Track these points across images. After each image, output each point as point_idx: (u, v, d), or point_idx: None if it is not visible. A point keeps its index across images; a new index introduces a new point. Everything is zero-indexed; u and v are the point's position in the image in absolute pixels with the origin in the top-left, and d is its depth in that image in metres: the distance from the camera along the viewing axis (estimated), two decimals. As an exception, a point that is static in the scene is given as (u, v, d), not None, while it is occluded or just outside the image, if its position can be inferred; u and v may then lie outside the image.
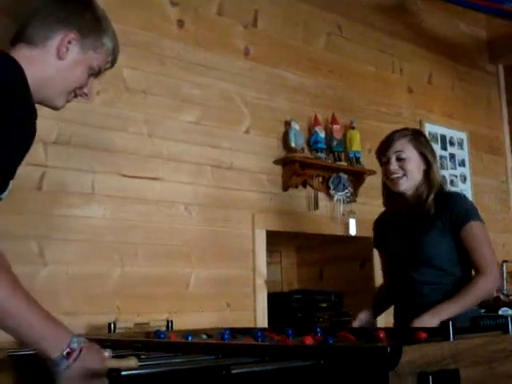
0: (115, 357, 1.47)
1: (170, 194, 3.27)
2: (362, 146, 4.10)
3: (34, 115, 1.49)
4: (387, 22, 4.64)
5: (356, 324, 2.76)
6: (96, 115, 3.03)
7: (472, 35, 5.40)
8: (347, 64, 4.32)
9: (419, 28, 4.89)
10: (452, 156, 4.92)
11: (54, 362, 1.35)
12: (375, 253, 4.03)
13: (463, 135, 5.04)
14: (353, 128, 4.10)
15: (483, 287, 2.50)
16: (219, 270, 3.39)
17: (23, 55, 1.59)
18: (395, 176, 2.65)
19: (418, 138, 2.72)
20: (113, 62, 1.78)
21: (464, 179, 4.96)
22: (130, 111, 3.20)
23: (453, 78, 5.10)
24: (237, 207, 3.54)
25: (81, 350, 1.37)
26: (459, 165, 4.97)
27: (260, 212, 3.63)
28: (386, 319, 3.12)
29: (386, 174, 2.70)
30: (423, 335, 1.85)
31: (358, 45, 4.42)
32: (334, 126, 4.03)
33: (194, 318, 3.14)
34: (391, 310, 2.90)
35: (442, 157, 4.81)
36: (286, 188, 3.78)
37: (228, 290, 3.41)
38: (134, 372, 1.37)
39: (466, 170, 5.00)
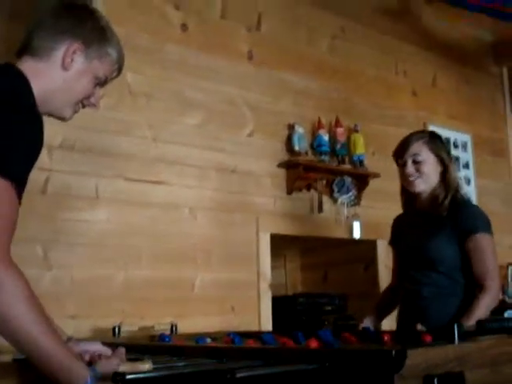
0: (128, 360, 1.47)
1: (174, 197, 3.27)
2: (366, 149, 4.10)
3: (40, 126, 1.49)
4: (391, 24, 4.64)
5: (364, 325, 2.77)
6: (100, 119, 3.03)
7: (476, 37, 5.39)
8: (351, 67, 4.32)
9: (423, 30, 4.89)
10: (456, 158, 4.90)
11: None
12: (379, 255, 4.06)
13: (467, 138, 5.03)
14: (356, 131, 4.10)
15: (485, 306, 2.49)
16: (224, 273, 3.39)
17: (29, 67, 1.59)
18: (412, 178, 2.66)
19: (434, 140, 2.74)
20: (119, 71, 1.78)
21: (468, 182, 4.95)
22: (134, 115, 3.21)
23: (457, 81, 5.10)
24: (241, 211, 3.54)
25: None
26: (463, 167, 4.96)
27: (264, 215, 3.63)
28: (390, 322, 3.11)
29: (403, 176, 2.72)
30: (428, 338, 1.85)
31: (362, 47, 4.42)
32: (338, 129, 4.03)
33: (198, 322, 3.13)
34: (395, 313, 2.90)
35: (446, 159, 4.80)
36: (290, 191, 3.78)
37: (232, 293, 3.41)
38: (138, 376, 1.37)
39: (470, 173, 4.99)
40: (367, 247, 4.11)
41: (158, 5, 3.39)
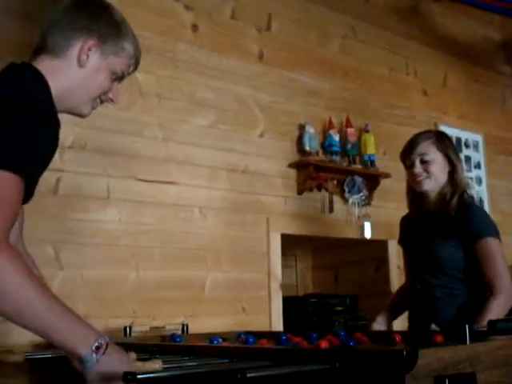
0: (139, 359, 1.48)
1: (184, 197, 3.28)
2: (377, 149, 4.09)
3: (56, 127, 1.49)
4: (401, 24, 4.63)
5: (375, 327, 2.76)
6: (111, 120, 3.04)
7: (487, 37, 5.37)
8: (361, 67, 4.31)
9: (434, 30, 4.87)
10: (467, 158, 4.89)
11: (82, 358, 1.35)
12: (391, 255, 4.05)
13: (478, 137, 5.01)
14: (367, 131, 4.09)
15: (498, 308, 2.47)
16: (234, 273, 3.40)
17: (46, 66, 1.60)
18: (420, 178, 2.65)
19: (441, 139, 2.72)
20: (136, 65, 1.78)
21: (480, 181, 4.93)
22: (145, 115, 3.21)
23: (467, 80, 5.08)
24: (252, 211, 3.54)
25: (107, 345, 1.38)
26: (475, 167, 4.94)
27: (275, 215, 3.63)
28: (402, 323, 3.11)
29: (411, 176, 2.71)
30: (439, 338, 1.84)
31: (373, 47, 4.41)
32: (349, 129, 4.02)
33: (209, 322, 3.14)
34: (406, 313, 2.89)
35: (457, 159, 4.78)
36: (300, 191, 3.78)
37: (243, 293, 3.41)
38: (149, 375, 1.38)
39: (482, 173, 4.97)
40: (378, 247, 4.10)
41: (169, 5, 3.40)
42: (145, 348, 1.95)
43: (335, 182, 3.94)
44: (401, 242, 2.93)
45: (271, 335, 2.32)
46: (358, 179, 3.96)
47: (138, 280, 3.05)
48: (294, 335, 2.13)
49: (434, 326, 2.34)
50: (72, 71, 1.64)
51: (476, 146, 4.99)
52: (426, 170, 2.64)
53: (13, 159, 1.36)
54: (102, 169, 3.02)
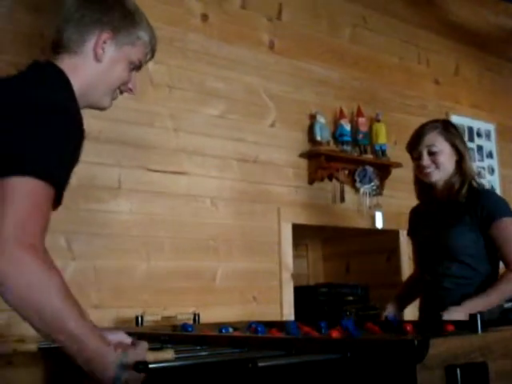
0: (151, 349, 1.48)
1: (196, 188, 3.28)
2: (388, 139, 4.08)
3: (81, 128, 1.50)
4: (413, 12, 4.60)
5: (386, 313, 2.76)
6: (122, 110, 3.04)
7: (500, 25, 5.32)
8: (373, 56, 4.29)
9: (445, 18, 4.84)
10: (479, 148, 4.87)
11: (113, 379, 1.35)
12: (402, 245, 4.05)
13: (491, 127, 4.98)
14: (378, 121, 4.08)
15: (507, 286, 2.47)
16: (246, 263, 3.40)
17: (66, 64, 1.61)
18: (428, 170, 2.63)
19: (448, 128, 2.69)
20: (153, 53, 1.78)
21: (492, 171, 4.91)
22: (156, 106, 3.22)
23: (480, 69, 5.05)
24: (263, 201, 3.54)
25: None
26: (487, 156, 4.92)
27: (286, 205, 3.63)
28: (413, 312, 3.11)
29: (419, 168, 2.69)
30: (451, 328, 1.84)
31: (384, 36, 4.39)
32: (360, 119, 4.01)
33: (220, 312, 3.14)
34: (417, 302, 2.89)
35: (469, 148, 4.76)
36: (311, 181, 3.77)
37: (254, 283, 3.41)
38: (161, 365, 1.38)
39: (494, 162, 4.95)
40: (389, 237, 4.10)
41: (179, -5, 3.39)
42: (156, 337, 1.96)
43: (346, 171, 3.94)
44: (410, 233, 2.93)
45: (282, 325, 2.33)
46: (369, 169, 3.95)
47: (149, 270, 3.06)
48: (304, 324, 2.13)
49: (446, 315, 2.33)
50: (90, 66, 1.64)
51: (488, 136, 4.96)
52: (434, 162, 2.62)
53: (42, 167, 1.36)
54: (114, 159, 3.03)
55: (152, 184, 3.14)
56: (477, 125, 4.88)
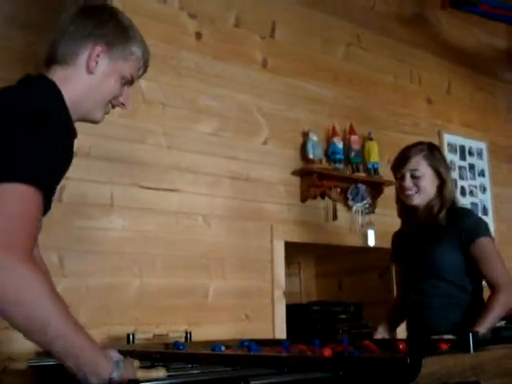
0: (142, 367, 1.47)
1: (188, 205, 3.28)
2: (381, 157, 4.08)
3: (72, 136, 1.51)
4: (406, 31, 4.63)
5: (378, 336, 2.76)
6: (115, 127, 3.04)
7: (491, 45, 5.37)
8: (366, 74, 4.31)
9: (438, 38, 4.88)
10: (471, 166, 4.88)
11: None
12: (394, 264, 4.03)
13: (483, 145, 5.00)
14: (371, 139, 4.09)
15: (503, 304, 2.47)
16: (238, 281, 3.39)
17: (58, 76, 1.62)
18: (409, 192, 2.66)
19: (433, 153, 2.71)
20: (145, 68, 1.79)
21: (484, 189, 4.92)
22: (149, 123, 3.22)
23: (472, 88, 5.08)
24: (255, 218, 3.53)
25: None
26: (479, 175, 4.93)
27: (278, 223, 3.62)
28: (406, 331, 3.10)
29: (401, 189, 2.72)
30: (444, 346, 1.83)
31: (377, 55, 4.41)
32: (352, 137, 4.02)
33: (212, 330, 3.13)
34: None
35: (461, 167, 4.79)
36: (304, 199, 3.77)
37: (247, 301, 3.40)
38: (152, 383, 1.37)
39: (486, 181, 4.96)
40: (382, 255, 4.08)
41: (173, 13, 3.40)
42: (148, 355, 1.95)
43: (339, 189, 3.94)
44: (393, 258, 2.94)
45: (274, 343, 2.32)
46: (362, 187, 3.96)
47: (141, 287, 3.04)
48: (297, 343, 2.12)
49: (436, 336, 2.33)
50: (82, 78, 1.65)
51: (480, 154, 4.98)
52: (416, 185, 2.65)
53: (29, 172, 1.36)
54: (106, 176, 3.03)
55: (144, 201, 3.13)
56: (469, 143, 4.90)
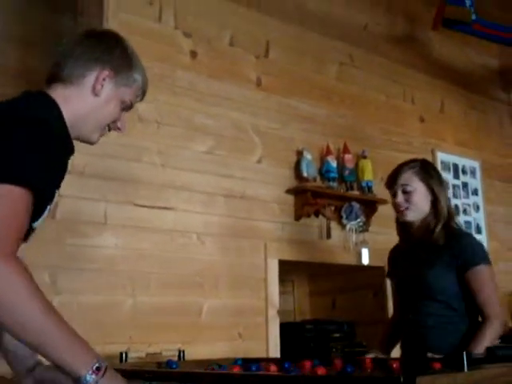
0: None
1: (182, 223, 3.28)
2: (375, 175, 4.10)
3: (68, 146, 1.54)
4: (399, 51, 4.67)
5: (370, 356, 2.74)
6: (109, 145, 3.05)
7: (484, 64, 5.41)
8: (359, 93, 4.34)
9: (431, 57, 4.92)
10: (465, 185, 4.90)
11: (81, 378, 1.35)
12: (388, 282, 4.02)
13: (476, 164, 5.02)
14: (364, 157, 4.10)
15: (490, 336, 2.47)
16: (231, 299, 3.38)
17: (59, 94, 1.64)
18: (401, 209, 2.66)
19: (425, 169, 2.70)
20: (143, 95, 1.84)
21: (477, 208, 4.94)
22: (144, 141, 3.22)
23: (465, 107, 5.11)
24: (249, 237, 3.53)
25: (106, 368, 1.39)
26: (472, 193, 4.95)
27: (272, 241, 3.63)
28: (399, 350, 3.09)
29: (394, 206, 2.73)
30: (437, 365, 1.83)
31: (370, 74, 4.44)
32: (346, 156, 4.04)
33: (206, 348, 3.12)
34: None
35: (454, 186, 4.80)
36: (298, 217, 3.78)
37: (240, 319, 3.39)
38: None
39: (479, 199, 4.98)
40: (376, 274, 4.09)
41: (168, 32, 3.42)
42: (141, 374, 1.94)
43: (333, 208, 3.95)
44: (389, 274, 2.93)
45: (268, 362, 2.30)
46: (356, 205, 3.96)
47: (134, 306, 3.03)
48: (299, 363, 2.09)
49: (431, 355, 2.33)
50: (86, 99, 1.68)
51: (473, 173, 5.00)
52: (408, 201, 2.65)
53: (19, 173, 1.38)
54: (100, 194, 3.03)
55: (138, 219, 3.13)
56: (462, 162, 4.92)
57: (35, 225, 1.54)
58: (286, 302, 4.50)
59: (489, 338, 2.44)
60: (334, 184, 3.92)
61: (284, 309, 3.91)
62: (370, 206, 4.06)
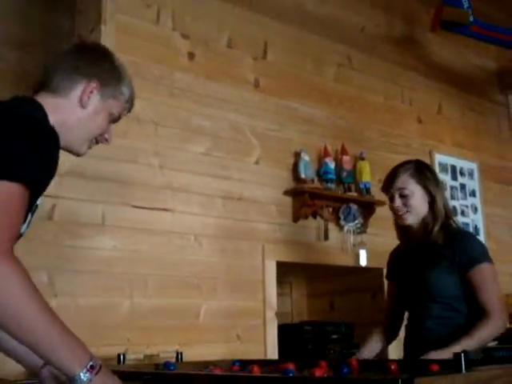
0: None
1: (180, 225, 3.27)
2: (372, 177, 4.10)
3: (56, 144, 1.53)
4: (397, 53, 4.67)
5: (360, 357, 2.72)
6: (107, 147, 3.00)
7: (482, 66, 5.42)
8: (357, 95, 4.34)
9: (429, 59, 4.92)
10: (462, 186, 4.90)
11: (75, 377, 1.36)
12: (386, 283, 4.02)
13: (473, 165, 5.03)
14: (362, 159, 4.10)
15: (488, 332, 2.46)
16: (229, 301, 3.38)
17: (47, 102, 1.66)
18: (400, 212, 2.65)
19: (421, 170, 2.68)
20: (130, 108, 1.85)
21: (475, 209, 4.94)
22: (141, 143, 3.22)
23: (463, 109, 5.11)
24: (247, 238, 3.53)
25: (100, 367, 1.40)
26: (470, 195, 4.95)
27: (270, 243, 3.62)
28: (397, 351, 3.09)
29: (392, 210, 2.71)
30: (435, 367, 1.83)
31: (368, 76, 4.44)
32: (344, 157, 4.04)
33: (203, 350, 3.11)
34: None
35: (452, 187, 4.80)
36: (295, 219, 3.78)
37: (238, 321, 3.39)
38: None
39: (477, 201, 4.98)
40: (374, 275, 4.09)
41: (166, 34, 3.42)
42: (139, 376, 1.94)
43: (330, 209, 3.95)
44: (389, 276, 2.92)
45: (266, 363, 2.30)
46: (354, 207, 3.96)
47: (132, 307, 3.03)
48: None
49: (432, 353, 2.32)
50: (72, 110, 1.70)
51: (471, 174, 5.00)
52: (406, 204, 2.62)
53: (13, 170, 1.38)
54: (98, 196, 3.02)
55: (136, 221, 3.13)
56: (460, 163, 4.93)
57: (21, 230, 1.53)
58: (284, 303, 4.50)
59: (483, 334, 2.44)
60: (332, 185, 3.92)
61: (282, 310, 3.91)
62: (367, 208, 4.06)
